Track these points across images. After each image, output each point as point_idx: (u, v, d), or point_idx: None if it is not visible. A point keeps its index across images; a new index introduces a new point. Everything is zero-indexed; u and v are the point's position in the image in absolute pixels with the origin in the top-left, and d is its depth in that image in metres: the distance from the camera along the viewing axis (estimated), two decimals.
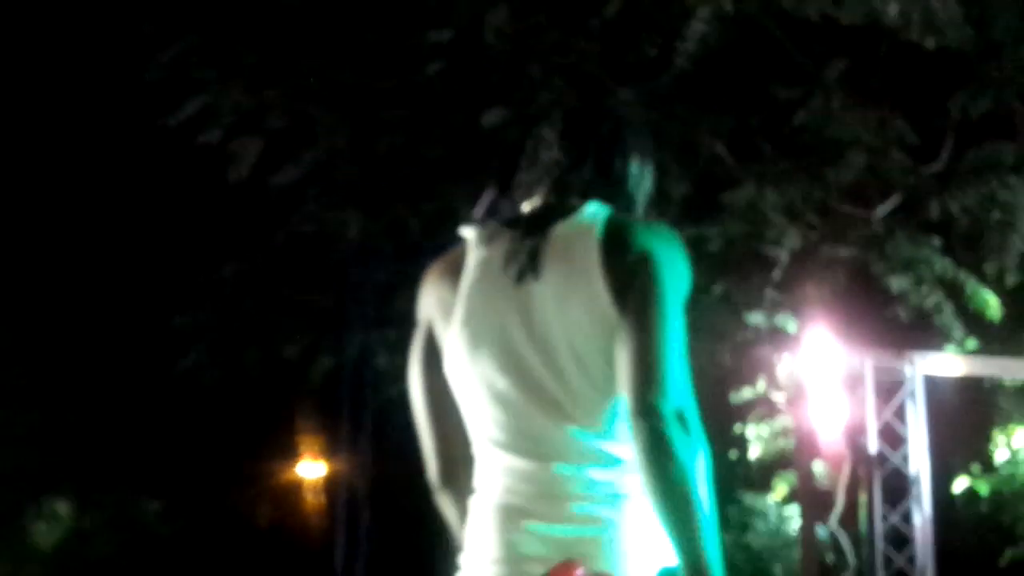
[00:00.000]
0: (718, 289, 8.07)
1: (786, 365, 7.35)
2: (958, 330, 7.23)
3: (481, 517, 2.11)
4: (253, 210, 8.46)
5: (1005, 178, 6.32)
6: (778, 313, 7.58)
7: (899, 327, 7.51)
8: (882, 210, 7.33)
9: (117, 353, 10.42)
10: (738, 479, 9.42)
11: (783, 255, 7.78)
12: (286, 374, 11.37)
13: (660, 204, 8.06)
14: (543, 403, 2.02)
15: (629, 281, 1.99)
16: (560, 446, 2.01)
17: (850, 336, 7.10)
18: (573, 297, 2.01)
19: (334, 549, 11.33)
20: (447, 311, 2.12)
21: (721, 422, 8.57)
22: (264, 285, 9.05)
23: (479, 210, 2.18)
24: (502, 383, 2.05)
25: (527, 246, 2.05)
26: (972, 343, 8.00)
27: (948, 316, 7.15)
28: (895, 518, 7.07)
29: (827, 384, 7.08)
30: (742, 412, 8.47)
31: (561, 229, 2.06)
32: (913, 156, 7.12)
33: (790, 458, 7.60)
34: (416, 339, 2.18)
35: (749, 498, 9.76)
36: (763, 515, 9.72)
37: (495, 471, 2.09)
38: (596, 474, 2.01)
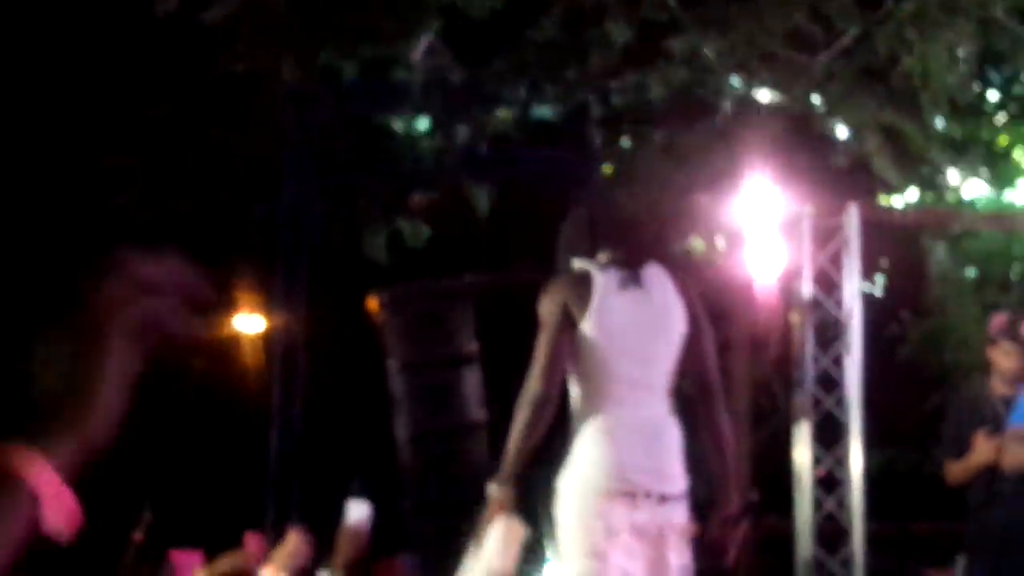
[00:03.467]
0: (659, 137, 8.02)
1: (725, 212, 7.35)
2: (896, 177, 7.25)
3: (595, 440, 3.49)
4: (182, 49, 8.21)
5: (949, 18, 6.27)
6: (718, 159, 7.55)
7: (838, 175, 7.52)
8: (825, 56, 7.28)
9: (44, 196, 10.19)
10: None
11: (725, 103, 7.73)
12: (221, 225, 11.22)
13: (602, 51, 7.91)
14: (650, 362, 3.55)
15: (692, 309, 3.67)
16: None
17: (789, 183, 7.09)
18: (673, 308, 3.60)
19: (271, 400, 11.34)
20: (583, 302, 3.54)
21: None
22: (195, 128, 8.85)
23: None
24: (630, 354, 3.52)
25: (636, 276, 3.63)
26: (911, 193, 8.05)
27: (886, 162, 7.15)
28: (826, 362, 7.17)
29: (764, 231, 7.10)
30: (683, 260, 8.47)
31: (649, 269, 3.70)
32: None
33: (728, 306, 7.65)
34: (555, 314, 3.55)
35: None
36: None
37: (608, 412, 3.53)
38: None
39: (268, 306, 12.47)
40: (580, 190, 10.14)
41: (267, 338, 12.80)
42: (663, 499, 3.47)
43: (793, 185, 7.09)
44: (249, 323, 13.47)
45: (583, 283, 3.61)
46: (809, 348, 7.12)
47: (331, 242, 10.65)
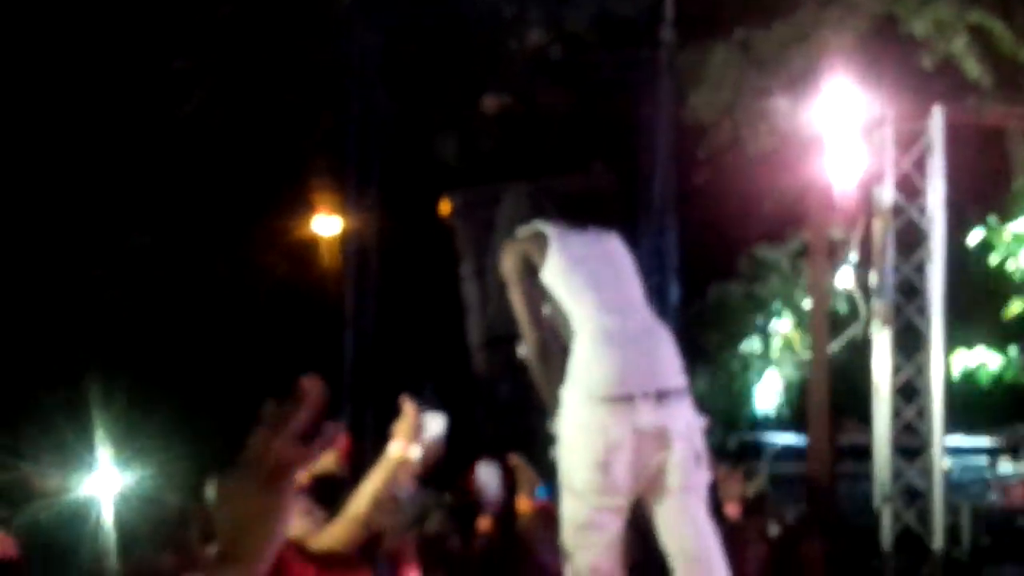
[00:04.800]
0: (739, 35, 7.81)
1: (803, 114, 7.16)
2: (984, 77, 6.99)
3: (590, 347, 3.59)
4: None
5: None
6: (797, 61, 7.34)
7: (923, 76, 7.28)
8: None
9: (117, 98, 10.17)
10: (751, 230, 9.33)
11: (807, 1, 7.50)
12: (295, 127, 11.18)
13: None
14: (620, 284, 3.75)
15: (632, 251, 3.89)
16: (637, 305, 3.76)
17: (871, 85, 6.88)
18: (619, 244, 3.83)
19: (344, 302, 11.42)
20: (542, 247, 3.73)
21: (736, 173, 8.43)
22: (265, 29, 8.78)
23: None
24: (599, 277, 3.72)
25: (582, 224, 3.81)
26: (996, 94, 7.78)
27: (973, 62, 6.90)
28: (908, 269, 7.02)
29: (845, 135, 6.91)
30: (760, 164, 8.28)
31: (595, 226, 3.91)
32: None
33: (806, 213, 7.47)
34: (517, 266, 3.75)
35: (762, 250, 9.68)
36: (776, 266, 9.66)
37: (595, 322, 3.64)
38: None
39: (343, 208, 12.49)
40: (654, 92, 9.95)
41: (342, 240, 12.85)
42: (661, 396, 3.56)
43: (875, 88, 6.88)
44: (327, 224, 13.49)
45: (537, 235, 3.84)
46: (890, 255, 6.97)
47: (403, 144, 10.59)
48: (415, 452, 4.06)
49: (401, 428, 4.02)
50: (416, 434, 4.03)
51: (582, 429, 3.54)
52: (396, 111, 10.10)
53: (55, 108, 10.47)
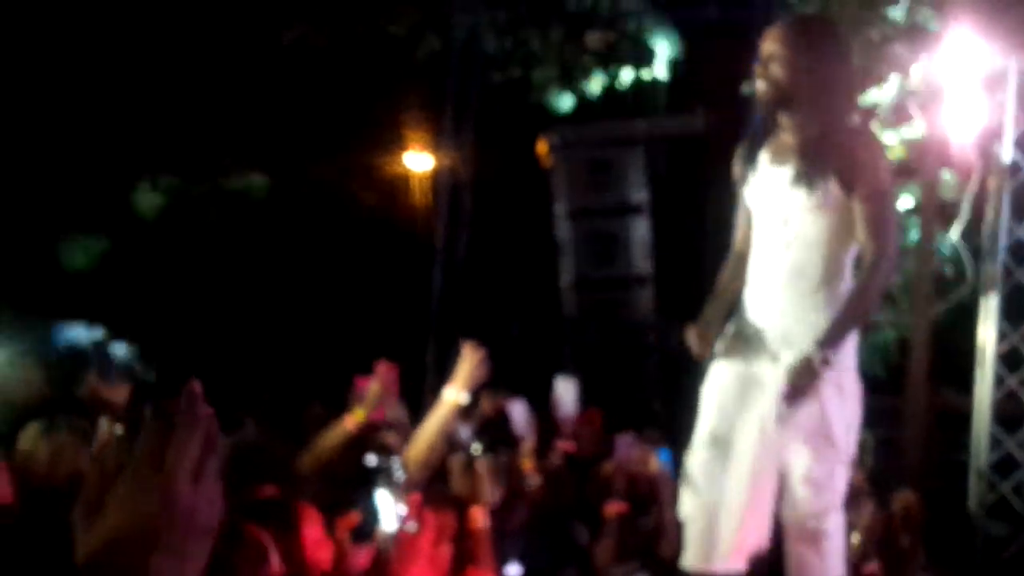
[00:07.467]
0: None
1: (922, 65, 6.83)
2: None
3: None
4: None
5: None
6: (919, 8, 6.99)
7: None
8: None
9: (217, 21, 10.11)
10: None
11: None
12: (392, 59, 11.06)
13: None
14: None
15: None
16: None
17: (994, 33, 6.53)
18: None
19: (435, 235, 11.34)
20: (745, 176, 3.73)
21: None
22: None
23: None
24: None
25: None
26: None
27: None
28: (1021, 232, 6.69)
29: (965, 86, 6.58)
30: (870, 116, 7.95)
31: None
32: None
33: (917, 168, 7.15)
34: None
35: None
36: None
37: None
38: None
39: (437, 145, 12.38)
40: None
41: (435, 177, 12.76)
42: None
43: (999, 36, 6.52)
44: (418, 161, 13.42)
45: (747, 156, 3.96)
46: (1004, 216, 6.65)
47: (503, 80, 10.40)
48: (464, 398, 3.98)
49: (460, 372, 3.90)
50: (471, 381, 3.91)
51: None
52: (497, 44, 9.91)
53: (153, 37, 10.48)
